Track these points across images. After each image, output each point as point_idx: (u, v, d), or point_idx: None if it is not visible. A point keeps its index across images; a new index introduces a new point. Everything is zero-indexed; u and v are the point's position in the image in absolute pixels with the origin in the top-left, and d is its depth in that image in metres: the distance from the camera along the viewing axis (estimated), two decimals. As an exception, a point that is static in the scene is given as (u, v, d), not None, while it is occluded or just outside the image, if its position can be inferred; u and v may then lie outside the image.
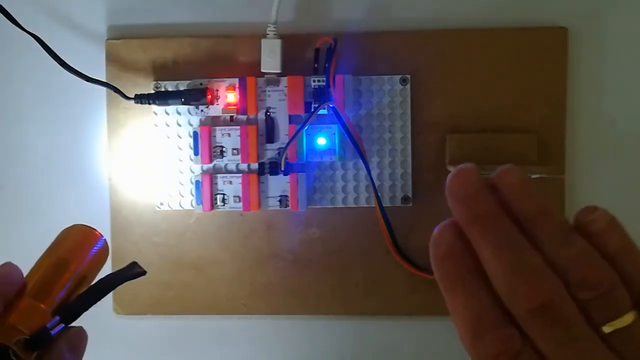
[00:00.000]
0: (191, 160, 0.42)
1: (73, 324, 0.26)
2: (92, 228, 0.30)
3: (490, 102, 0.42)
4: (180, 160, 0.43)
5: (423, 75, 0.42)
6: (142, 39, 0.43)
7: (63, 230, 0.30)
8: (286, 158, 0.41)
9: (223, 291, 0.43)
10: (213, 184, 0.42)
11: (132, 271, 0.27)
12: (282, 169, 0.41)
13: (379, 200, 0.40)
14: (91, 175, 0.44)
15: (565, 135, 0.42)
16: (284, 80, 0.41)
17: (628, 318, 0.20)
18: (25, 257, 0.47)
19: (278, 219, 0.43)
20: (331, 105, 0.40)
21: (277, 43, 0.41)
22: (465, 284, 0.22)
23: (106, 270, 0.30)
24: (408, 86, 0.42)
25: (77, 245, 0.29)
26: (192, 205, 0.42)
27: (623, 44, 0.42)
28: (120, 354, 0.45)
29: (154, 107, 0.42)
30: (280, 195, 0.42)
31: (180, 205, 0.43)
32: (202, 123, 0.42)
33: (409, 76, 0.42)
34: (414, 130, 0.42)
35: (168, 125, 0.43)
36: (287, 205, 0.42)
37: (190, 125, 0.42)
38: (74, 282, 0.28)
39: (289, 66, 0.41)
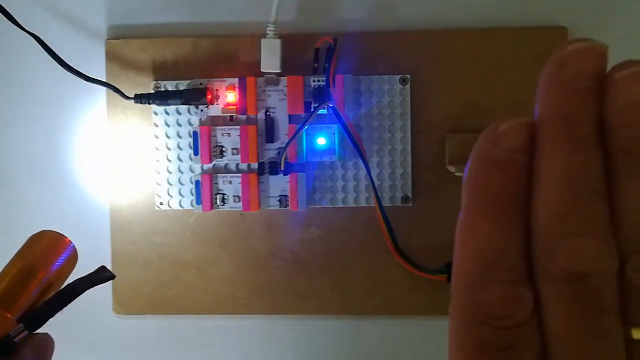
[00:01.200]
0: (191, 160, 0.42)
1: (39, 331, 0.25)
2: (61, 234, 0.30)
3: (490, 102, 0.42)
4: (181, 160, 0.43)
5: (423, 75, 0.42)
6: (142, 39, 0.43)
7: (31, 237, 0.29)
8: (286, 158, 0.41)
9: (223, 291, 0.43)
10: (213, 184, 0.42)
11: (101, 275, 0.27)
12: (282, 169, 0.41)
13: (379, 200, 0.40)
14: (91, 175, 0.45)
15: (565, 135, 0.42)
16: (284, 80, 0.41)
17: None
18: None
19: (278, 219, 0.43)
20: (331, 105, 0.40)
21: (277, 43, 0.41)
22: (503, 211, 0.15)
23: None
24: (408, 86, 0.42)
25: (45, 253, 0.29)
26: (192, 205, 0.42)
27: (623, 44, 0.42)
28: (120, 354, 0.45)
29: (154, 107, 0.42)
30: (280, 195, 0.42)
31: (180, 205, 0.43)
32: (202, 123, 0.42)
33: (409, 76, 0.42)
34: (414, 130, 0.42)
35: (168, 125, 0.43)
36: (287, 205, 0.42)
37: (190, 125, 0.42)
38: (41, 290, 0.27)
39: (289, 66, 0.41)
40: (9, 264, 0.28)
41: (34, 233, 0.30)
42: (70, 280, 0.28)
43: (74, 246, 0.30)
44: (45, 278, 0.28)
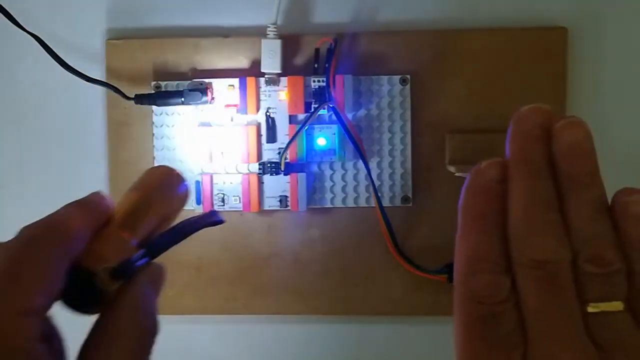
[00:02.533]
0: (191, 160, 0.42)
1: (154, 261, 0.26)
2: (176, 170, 0.30)
3: (490, 102, 0.42)
4: (181, 161, 0.43)
5: (423, 75, 0.42)
6: (142, 39, 0.43)
7: (147, 170, 0.30)
8: (286, 158, 0.41)
9: (223, 291, 0.43)
10: (213, 184, 0.42)
11: (212, 218, 0.27)
12: (282, 169, 0.41)
13: (379, 200, 0.40)
14: (91, 176, 0.45)
15: (565, 135, 0.42)
16: (284, 80, 0.41)
17: (617, 305, 0.20)
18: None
19: (278, 219, 0.43)
20: (331, 105, 0.40)
21: (277, 43, 0.41)
22: (485, 224, 0.22)
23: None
24: (408, 86, 0.42)
25: (161, 185, 0.29)
26: (192, 205, 0.42)
27: (623, 44, 0.42)
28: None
29: (154, 107, 0.42)
30: (280, 195, 0.42)
31: (180, 205, 0.43)
32: (202, 123, 0.42)
33: (409, 76, 0.42)
34: (414, 130, 0.42)
35: (168, 125, 0.43)
36: (287, 205, 0.42)
37: (190, 125, 0.42)
38: (158, 221, 0.27)
39: (289, 66, 0.41)
40: (127, 193, 0.28)
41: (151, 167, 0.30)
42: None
43: (187, 184, 0.30)
44: (162, 209, 0.28)
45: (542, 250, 0.20)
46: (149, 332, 0.24)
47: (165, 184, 0.29)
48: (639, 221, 0.21)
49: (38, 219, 0.26)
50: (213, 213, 0.27)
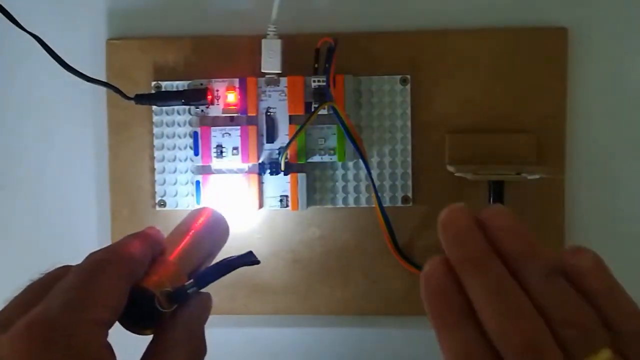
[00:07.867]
0: (191, 160, 0.42)
1: (202, 290, 0.29)
2: (218, 212, 0.35)
3: (490, 102, 0.42)
4: (180, 160, 0.43)
5: (423, 75, 0.42)
6: (142, 39, 0.43)
7: (192, 211, 0.34)
8: (286, 158, 0.41)
9: (223, 291, 0.43)
10: (213, 184, 0.42)
11: (249, 258, 0.30)
12: (282, 169, 0.41)
13: (379, 200, 0.40)
14: (91, 175, 0.45)
15: (565, 135, 0.42)
16: (284, 80, 0.41)
17: (604, 354, 0.20)
18: (26, 257, 0.47)
19: (278, 219, 0.43)
20: (331, 105, 0.40)
21: (277, 43, 0.41)
22: (455, 321, 0.22)
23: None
24: (408, 86, 0.42)
25: (205, 225, 0.33)
26: (192, 205, 0.42)
27: (623, 44, 0.42)
28: (119, 354, 0.45)
29: (154, 107, 0.42)
30: (280, 195, 0.42)
31: (180, 205, 0.43)
32: (202, 123, 0.42)
33: (409, 76, 0.42)
34: (414, 130, 0.42)
35: (168, 125, 0.43)
36: (287, 205, 0.42)
37: (190, 125, 0.42)
38: (203, 255, 0.32)
39: (289, 66, 0.41)
40: (175, 230, 0.33)
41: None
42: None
43: (227, 223, 0.35)
44: (207, 245, 0.32)
45: (522, 337, 0.20)
46: (199, 351, 0.27)
47: (209, 224, 0.33)
48: (591, 277, 0.22)
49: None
50: (251, 254, 0.30)
